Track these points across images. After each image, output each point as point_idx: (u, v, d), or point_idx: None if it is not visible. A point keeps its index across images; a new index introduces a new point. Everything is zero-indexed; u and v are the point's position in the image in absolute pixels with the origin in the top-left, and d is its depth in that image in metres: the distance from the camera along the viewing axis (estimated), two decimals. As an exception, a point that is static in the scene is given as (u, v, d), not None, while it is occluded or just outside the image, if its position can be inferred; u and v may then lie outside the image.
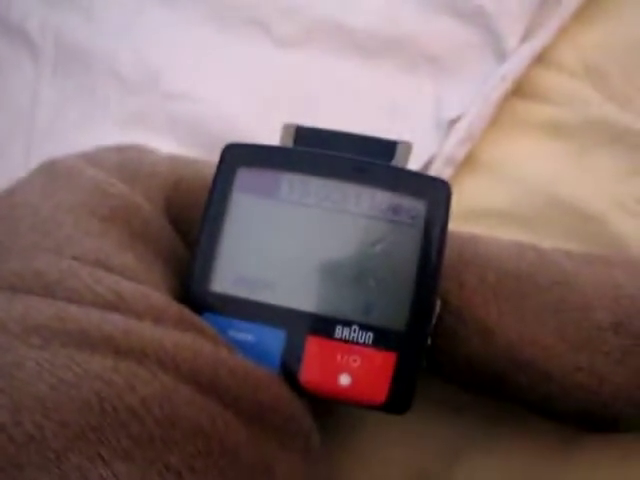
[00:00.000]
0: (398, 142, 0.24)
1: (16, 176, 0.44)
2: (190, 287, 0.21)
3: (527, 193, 0.32)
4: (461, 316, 0.23)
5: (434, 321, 0.21)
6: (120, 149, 0.30)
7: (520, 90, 0.34)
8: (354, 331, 0.20)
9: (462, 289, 0.24)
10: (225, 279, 0.21)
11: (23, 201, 0.24)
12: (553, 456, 0.25)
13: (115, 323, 0.18)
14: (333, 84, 0.38)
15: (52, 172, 0.25)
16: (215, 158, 0.39)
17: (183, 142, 0.40)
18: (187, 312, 0.20)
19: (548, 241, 0.31)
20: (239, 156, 0.22)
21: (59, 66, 0.45)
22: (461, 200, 0.33)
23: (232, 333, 0.21)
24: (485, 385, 0.24)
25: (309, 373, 0.20)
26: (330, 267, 0.21)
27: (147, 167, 0.27)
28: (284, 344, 0.20)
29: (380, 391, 0.20)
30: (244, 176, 0.22)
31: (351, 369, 0.20)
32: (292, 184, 0.22)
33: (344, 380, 0.20)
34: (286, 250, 0.21)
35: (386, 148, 0.24)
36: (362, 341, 0.20)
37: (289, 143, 0.24)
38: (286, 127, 0.25)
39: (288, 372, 0.20)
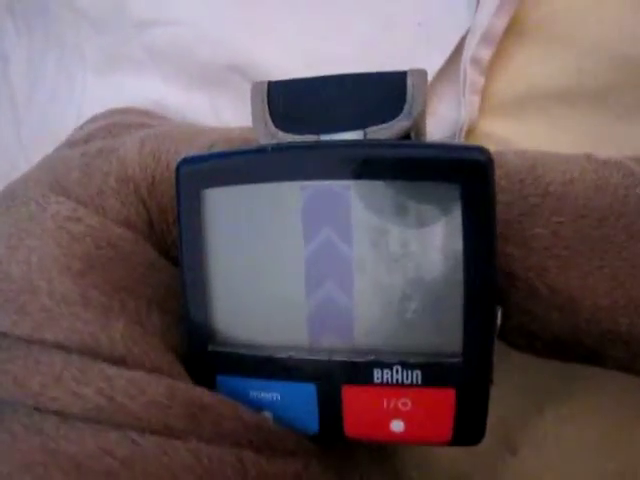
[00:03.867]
0: (407, 72, 0.18)
1: (10, 147, 0.41)
2: (192, 349, 0.18)
3: (593, 58, 0.23)
4: (533, 289, 0.18)
5: (496, 337, 0.16)
6: (86, 143, 0.25)
7: None
8: (397, 372, 0.16)
9: (531, 252, 0.18)
10: (228, 335, 0.17)
11: None
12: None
13: (113, 452, 0.15)
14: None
15: (13, 212, 0.21)
16: (205, 89, 0.33)
17: (168, 76, 0.34)
18: (196, 396, 0.16)
19: (625, 119, 0.24)
20: (199, 174, 0.17)
21: (17, 17, 0.38)
22: (512, 84, 0.26)
23: (255, 394, 0.17)
24: (568, 358, 0.20)
25: (354, 425, 0.17)
26: (348, 297, 0.16)
27: (116, 170, 0.22)
28: (317, 399, 0.17)
29: (443, 431, 0.16)
30: (212, 200, 0.17)
31: (402, 414, 0.16)
32: (276, 196, 0.16)
33: (396, 426, 0.17)
34: (289, 284, 0.17)
35: (392, 86, 0.18)
36: (409, 382, 0.16)
37: (262, 106, 0.18)
38: (255, 87, 0.19)
39: (330, 427, 0.17)
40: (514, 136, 0.25)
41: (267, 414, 0.17)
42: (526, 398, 0.24)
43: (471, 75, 0.25)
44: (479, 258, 0.15)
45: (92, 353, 0.17)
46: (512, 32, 0.25)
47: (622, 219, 0.18)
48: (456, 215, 0.15)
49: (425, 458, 0.26)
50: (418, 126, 0.18)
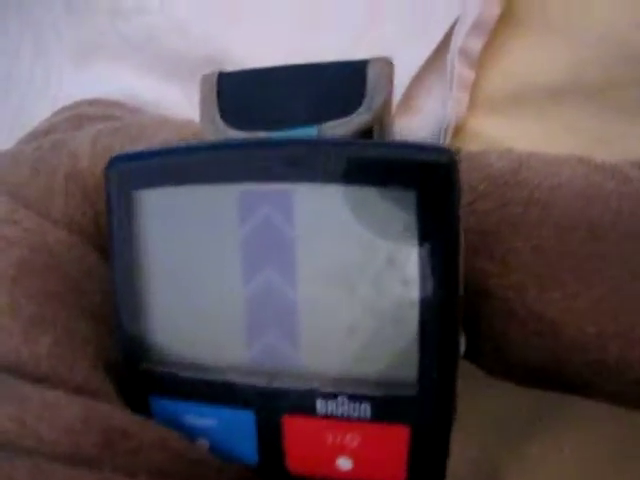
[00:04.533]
0: (369, 61, 0.16)
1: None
2: (124, 367, 0.16)
3: (596, 50, 0.21)
4: (510, 310, 0.16)
5: (459, 367, 0.14)
6: (46, 135, 0.24)
7: None
8: (342, 404, 0.14)
9: (508, 268, 0.16)
10: (163, 352, 0.16)
11: None
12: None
13: None
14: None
15: None
16: (180, 81, 0.32)
17: (140, 68, 0.32)
18: (117, 421, 0.15)
19: (629, 117, 0.21)
20: (130, 174, 0.15)
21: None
22: (505, 79, 0.23)
23: (191, 419, 0.16)
24: (550, 388, 0.18)
25: (296, 460, 0.15)
26: (292, 313, 0.14)
27: (65, 166, 0.20)
28: (256, 427, 0.15)
29: (396, 472, 0.14)
30: (143, 202, 0.15)
31: (349, 451, 0.14)
32: (212, 199, 0.14)
33: (343, 464, 0.15)
34: (227, 294, 0.15)
35: (351, 76, 0.16)
36: (356, 415, 0.14)
37: (211, 101, 0.16)
38: (205, 79, 0.17)
39: (270, 461, 0.15)
40: (506, 136, 0.23)
41: (203, 442, 0.16)
42: (510, 426, 0.22)
43: (459, 68, 0.23)
44: (438, 275, 0.13)
45: (13, 370, 0.16)
46: (506, 21, 0.22)
47: (613, 233, 0.16)
48: (411, 226, 0.13)
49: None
50: (382, 121, 0.16)
